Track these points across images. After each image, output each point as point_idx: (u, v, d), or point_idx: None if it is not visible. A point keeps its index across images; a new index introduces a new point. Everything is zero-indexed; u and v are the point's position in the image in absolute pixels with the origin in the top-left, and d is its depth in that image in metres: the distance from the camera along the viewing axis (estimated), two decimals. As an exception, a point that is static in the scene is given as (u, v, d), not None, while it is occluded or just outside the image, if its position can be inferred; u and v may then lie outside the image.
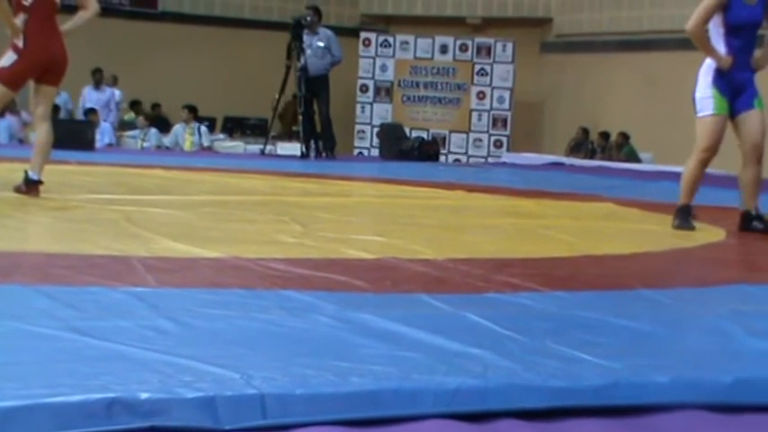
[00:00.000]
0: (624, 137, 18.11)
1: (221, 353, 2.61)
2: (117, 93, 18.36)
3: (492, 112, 19.09)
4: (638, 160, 16.91)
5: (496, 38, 19.43)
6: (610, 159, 17.34)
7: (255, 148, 15.97)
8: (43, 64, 6.47)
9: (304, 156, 14.06)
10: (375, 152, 17.90)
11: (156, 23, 21.05)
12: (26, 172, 6.58)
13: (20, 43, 6.39)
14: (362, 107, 19.41)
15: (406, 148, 15.84)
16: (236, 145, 17.21)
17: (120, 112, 18.57)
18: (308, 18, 14.25)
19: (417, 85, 19.34)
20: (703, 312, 3.72)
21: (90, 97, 17.61)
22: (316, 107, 14.22)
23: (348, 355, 2.68)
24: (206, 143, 16.93)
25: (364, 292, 3.73)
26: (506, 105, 19.06)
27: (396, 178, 10.65)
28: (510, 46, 19.02)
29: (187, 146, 16.75)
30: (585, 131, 19.29)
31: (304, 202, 7.48)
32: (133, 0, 21.08)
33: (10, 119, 16.10)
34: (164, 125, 17.93)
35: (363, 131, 19.32)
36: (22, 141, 15.79)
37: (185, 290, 3.61)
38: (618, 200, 8.37)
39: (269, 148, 15.09)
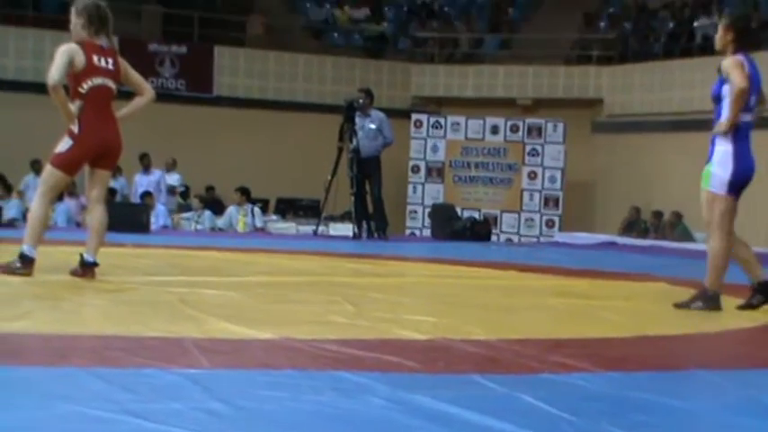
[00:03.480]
0: (677, 216, 18.01)
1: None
2: (170, 176, 18.58)
3: (543, 192, 19.08)
4: (691, 239, 16.78)
5: (547, 118, 19.50)
6: (663, 239, 17.24)
7: (308, 228, 16.05)
8: (98, 149, 6.59)
9: (356, 236, 14.11)
10: (427, 232, 17.93)
11: (211, 107, 21.38)
12: (82, 255, 6.66)
13: (75, 129, 6.51)
14: (414, 187, 19.50)
15: (457, 229, 15.86)
16: (289, 226, 17.31)
17: (176, 195, 18.78)
18: (361, 100, 14.41)
19: (469, 165, 19.40)
20: (759, 394, 3.66)
21: (140, 181, 17.86)
22: (368, 188, 14.31)
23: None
24: (259, 224, 17.05)
25: (416, 372, 3.72)
26: (558, 185, 19.05)
27: (448, 258, 10.64)
28: (561, 126, 19.06)
29: (240, 227, 16.87)
30: (638, 211, 19.21)
31: (356, 283, 7.49)
32: (189, 85, 21.44)
33: (68, 202, 16.34)
34: (218, 207, 18.10)
35: (415, 212, 19.38)
36: (79, 225, 16.00)
37: (238, 371, 3.62)
38: (671, 279, 8.31)
39: (321, 228, 15.16)
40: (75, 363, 3.58)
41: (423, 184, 19.46)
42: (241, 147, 21.01)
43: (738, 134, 6.27)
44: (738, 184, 6.28)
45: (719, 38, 6.41)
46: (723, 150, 6.26)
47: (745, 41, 6.36)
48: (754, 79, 6.28)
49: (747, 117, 6.31)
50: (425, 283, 8.21)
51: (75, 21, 6.72)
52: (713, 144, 6.32)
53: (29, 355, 3.81)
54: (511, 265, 9.82)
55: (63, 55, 6.46)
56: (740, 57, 6.27)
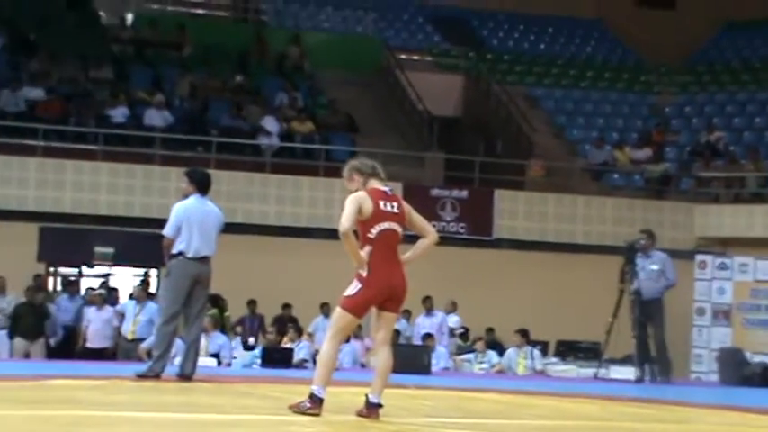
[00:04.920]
0: None
1: None
2: (450, 318, 18.83)
3: (841, 335, 18.06)
4: None
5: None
6: None
7: (588, 371, 15.80)
8: (385, 293, 6.81)
9: (639, 380, 13.79)
10: (713, 377, 17.27)
11: (490, 250, 21.63)
12: (367, 396, 6.84)
13: (364, 273, 6.77)
14: (699, 330, 18.90)
15: (747, 374, 15.20)
16: (569, 368, 17.09)
17: (456, 337, 18.98)
18: (642, 242, 14.24)
19: (759, 308, 18.66)
20: None
21: (423, 323, 18.18)
22: (650, 330, 14.01)
23: None
24: (539, 367, 16.92)
25: None
26: None
27: (738, 405, 10.21)
28: None
29: (520, 369, 16.81)
30: None
31: (639, 429, 7.31)
32: (470, 228, 21.83)
33: (354, 343, 16.80)
34: (497, 349, 18.13)
35: (700, 355, 18.74)
36: (363, 366, 16.39)
37: None
38: None
39: (602, 371, 14.90)
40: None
41: (708, 327, 18.83)
42: (520, 288, 21.07)
43: None
44: None
45: None
46: None
47: None
48: None
49: None
50: (712, 431, 7.90)
51: (347, 180, 7.07)
52: None
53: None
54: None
55: (352, 203, 6.78)
56: None
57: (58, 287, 20.33)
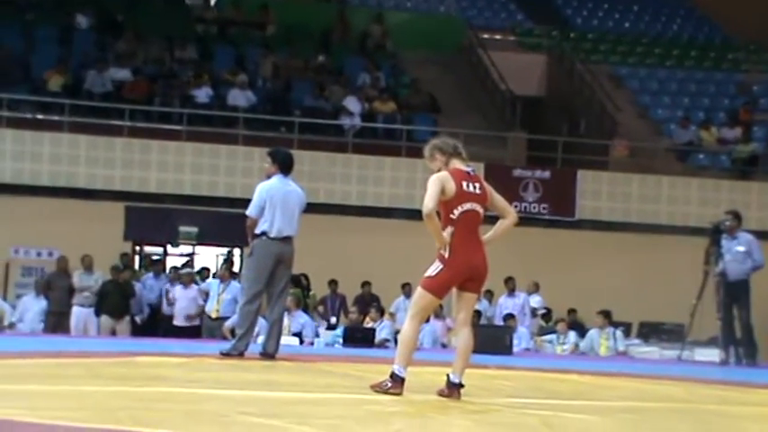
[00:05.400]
0: None
1: None
2: (532, 298, 18.76)
3: None
4: None
5: None
6: None
7: (672, 353, 15.65)
8: (466, 273, 6.81)
9: (723, 362, 13.62)
10: (801, 360, 16.98)
11: (573, 231, 21.49)
12: (448, 375, 6.86)
13: (446, 254, 6.78)
14: (786, 313, 18.57)
15: (835, 357, 14.94)
16: (652, 350, 16.95)
17: (538, 317, 18.92)
18: (728, 223, 14.04)
19: None
20: None
21: (505, 304, 18.14)
22: (735, 312, 13.83)
23: None
24: (621, 348, 16.81)
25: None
26: None
27: (824, 388, 10.02)
28: None
29: (602, 351, 16.71)
30: None
31: (724, 411, 7.23)
32: (552, 209, 21.70)
33: (434, 324, 16.83)
34: (579, 330, 18.04)
35: (788, 338, 18.42)
36: (444, 346, 16.42)
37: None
38: None
39: (686, 353, 14.74)
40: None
41: (796, 309, 18.50)
42: (603, 269, 20.91)
43: None
44: None
45: None
46: None
47: None
48: None
49: None
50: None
51: (429, 159, 7.07)
52: None
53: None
54: None
55: (435, 183, 6.78)
56: None
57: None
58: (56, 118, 21.33)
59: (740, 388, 9.67)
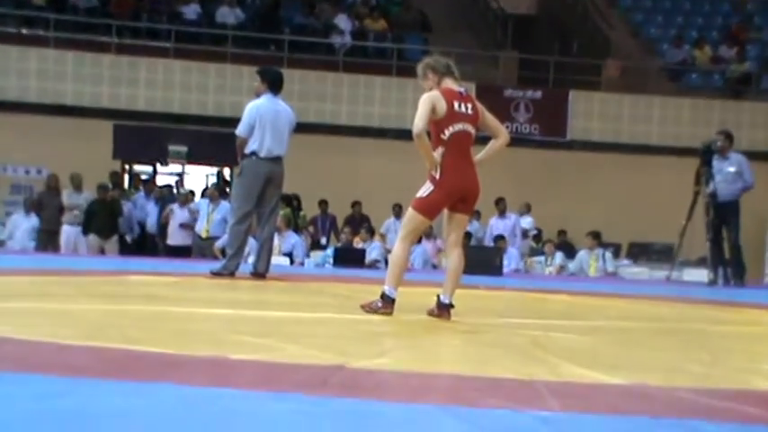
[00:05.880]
0: None
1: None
2: (523, 220, 18.79)
3: None
4: None
5: None
6: None
7: (661, 274, 15.75)
8: (458, 194, 6.79)
9: (712, 283, 13.70)
10: (789, 280, 17.11)
11: (564, 151, 21.46)
12: (438, 296, 6.87)
13: (437, 174, 6.75)
14: (775, 233, 18.68)
15: (823, 277, 15.04)
16: (641, 271, 17.05)
17: (529, 238, 18.97)
18: (719, 143, 14.01)
19: (836, 210, 18.38)
20: None
21: (496, 225, 18.17)
22: (725, 233, 13.87)
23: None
24: (610, 269, 16.90)
25: (777, 427, 3.57)
26: None
27: (812, 309, 10.09)
28: None
29: (592, 271, 16.79)
30: None
31: (711, 331, 7.28)
32: (543, 129, 21.64)
33: (425, 244, 16.88)
34: (569, 251, 18.11)
35: (776, 259, 18.55)
36: (435, 266, 16.48)
37: (590, 416, 3.62)
38: None
39: (675, 274, 14.82)
40: (431, 400, 3.70)
41: (785, 230, 18.60)
42: (594, 190, 20.93)
43: None
44: None
45: None
46: None
47: None
48: None
49: None
50: (787, 334, 7.83)
51: (422, 78, 6.98)
52: None
53: (388, 391, 3.98)
54: None
55: (426, 103, 6.72)
56: None
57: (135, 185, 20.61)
58: (41, 33, 21.11)
59: (728, 308, 9.73)
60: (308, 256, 16.15)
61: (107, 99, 20.87)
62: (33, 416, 2.98)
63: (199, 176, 22.20)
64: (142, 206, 18.37)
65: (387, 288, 6.79)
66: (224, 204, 15.74)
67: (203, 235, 16.26)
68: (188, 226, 16.90)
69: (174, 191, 19.13)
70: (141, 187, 19.39)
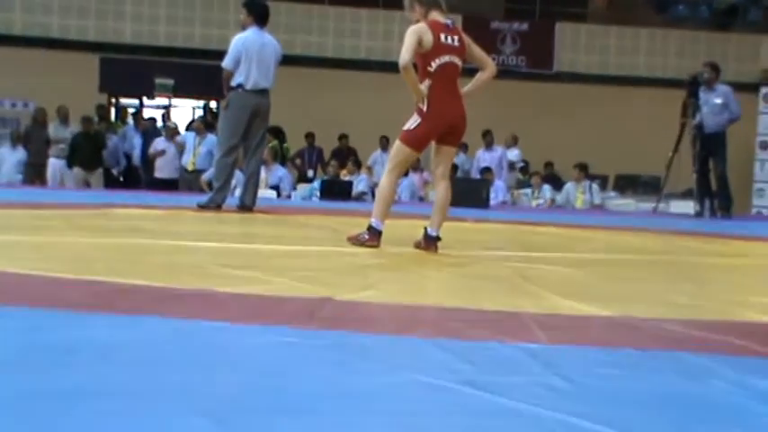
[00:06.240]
0: None
1: (612, 413, 2.61)
2: (510, 152, 18.78)
3: None
4: None
5: None
6: None
7: (647, 206, 15.79)
8: (444, 126, 6.76)
9: (698, 214, 13.74)
10: (775, 212, 17.17)
11: (550, 84, 21.39)
12: (425, 229, 6.87)
13: (424, 107, 6.71)
14: (762, 164, 18.72)
15: (809, 209, 15.09)
16: (628, 203, 17.10)
17: (516, 171, 18.97)
18: (705, 75, 13.98)
19: (822, 141, 18.41)
20: None
21: (483, 157, 18.15)
22: (711, 165, 13.89)
23: (746, 423, 2.59)
24: (597, 201, 16.93)
25: (764, 357, 3.59)
26: None
27: (797, 240, 10.14)
28: None
29: (578, 204, 16.83)
30: None
31: (698, 263, 7.30)
32: (530, 61, 21.55)
33: (412, 177, 16.87)
34: (556, 183, 18.13)
35: (762, 190, 18.61)
36: (422, 199, 16.49)
37: (577, 348, 3.63)
38: None
39: (661, 206, 14.86)
40: (418, 333, 3.71)
41: (771, 162, 18.64)
42: (580, 122, 20.91)
43: None
44: None
45: None
46: None
47: None
48: None
49: None
50: (772, 265, 7.87)
51: (409, 10, 6.92)
52: None
53: (375, 323, 3.99)
54: None
55: (412, 35, 6.66)
56: None
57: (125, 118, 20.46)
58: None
59: (714, 239, 9.76)
60: (294, 188, 16.13)
61: (93, 32, 20.68)
62: (20, 349, 2.98)
63: (185, 109, 22.08)
64: (131, 139, 18.27)
65: (373, 220, 6.78)
66: (210, 137, 15.68)
67: (189, 168, 16.21)
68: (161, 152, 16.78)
69: (159, 124, 19.02)
70: (131, 120, 19.27)
